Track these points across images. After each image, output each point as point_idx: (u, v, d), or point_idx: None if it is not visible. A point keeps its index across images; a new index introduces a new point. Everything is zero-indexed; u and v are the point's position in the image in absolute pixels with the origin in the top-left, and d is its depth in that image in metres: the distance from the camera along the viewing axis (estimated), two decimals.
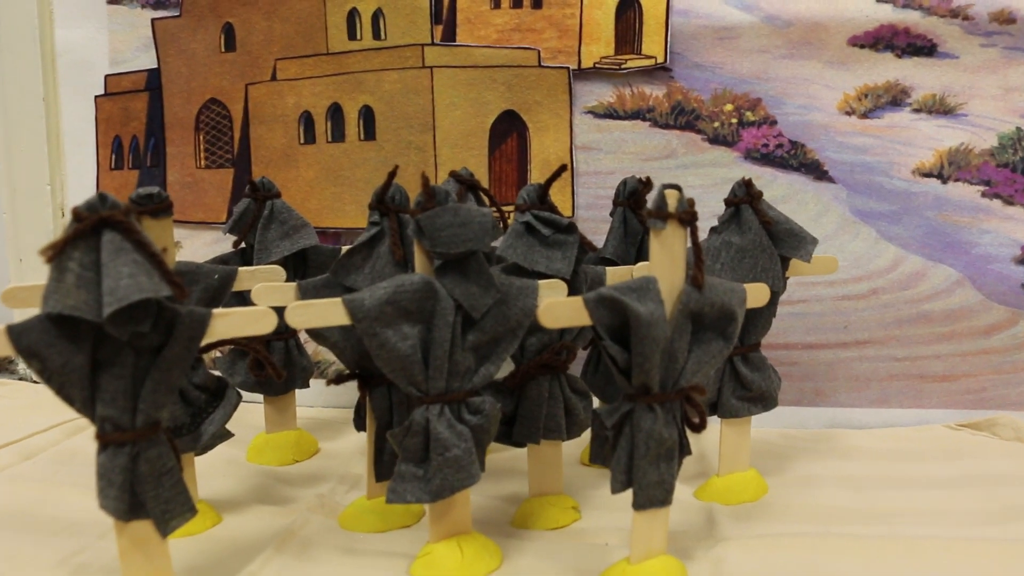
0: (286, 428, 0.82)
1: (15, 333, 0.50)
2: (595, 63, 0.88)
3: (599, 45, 0.88)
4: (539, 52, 0.89)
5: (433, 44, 0.90)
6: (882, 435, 0.86)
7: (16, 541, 0.66)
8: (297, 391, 0.85)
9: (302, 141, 0.93)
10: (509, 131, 0.90)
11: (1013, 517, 0.67)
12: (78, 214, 0.51)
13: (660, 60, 0.87)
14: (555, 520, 0.68)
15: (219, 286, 0.66)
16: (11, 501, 0.73)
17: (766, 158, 0.87)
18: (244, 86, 0.93)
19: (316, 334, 0.66)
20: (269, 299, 0.63)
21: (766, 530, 0.66)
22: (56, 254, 0.50)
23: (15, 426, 0.90)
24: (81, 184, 1.00)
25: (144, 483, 0.54)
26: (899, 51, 0.85)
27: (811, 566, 0.60)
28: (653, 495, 0.57)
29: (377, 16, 0.91)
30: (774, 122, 0.87)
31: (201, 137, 0.95)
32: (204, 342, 0.54)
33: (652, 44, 0.87)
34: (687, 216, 0.59)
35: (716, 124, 0.87)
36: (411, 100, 0.90)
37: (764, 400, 0.73)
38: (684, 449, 0.60)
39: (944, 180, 0.85)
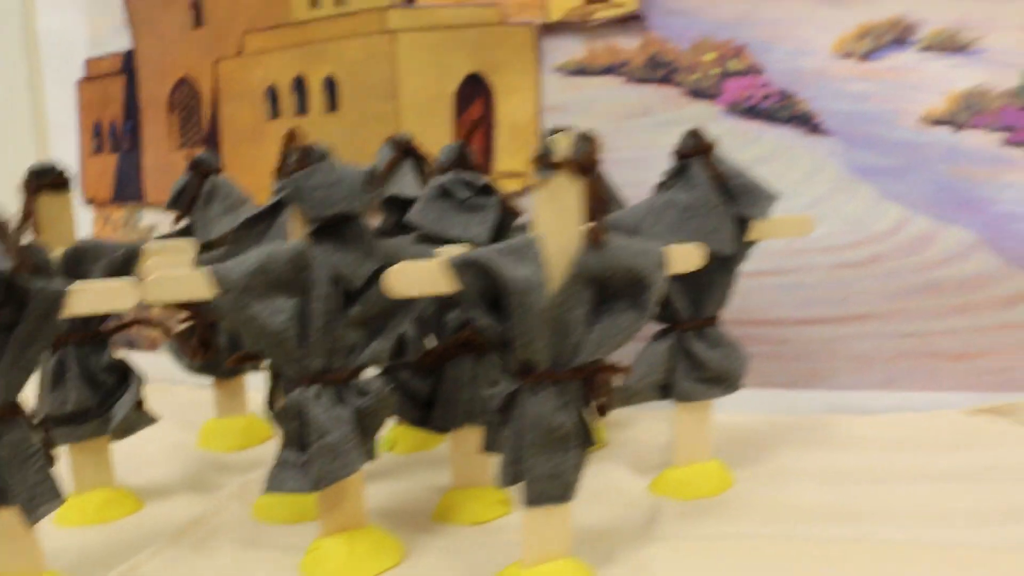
0: (236, 413, 0.79)
1: None
2: (562, 16, 0.81)
3: None
4: (503, 8, 0.82)
5: (395, 7, 0.85)
6: (887, 421, 0.76)
7: None
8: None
9: (269, 116, 0.90)
10: (475, 95, 0.84)
11: (1018, 519, 0.57)
12: None
13: (632, 8, 0.79)
14: (477, 514, 0.62)
15: (123, 262, 0.63)
16: None
17: (752, 111, 0.78)
18: (213, 62, 0.91)
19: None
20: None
21: (711, 530, 0.59)
22: None
23: None
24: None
25: (6, 468, 0.51)
26: None
27: (749, 573, 0.53)
28: (546, 490, 0.51)
29: None
30: (760, 71, 0.78)
31: (175, 118, 0.94)
32: (66, 316, 0.51)
33: None
34: (585, 162, 0.51)
35: (696, 76, 0.79)
36: (374, 68, 0.85)
37: (725, 381, 0.65)
38: (586, 438, 0.53)
39: (958, 128, 0.74)
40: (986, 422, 0.74)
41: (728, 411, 0.78)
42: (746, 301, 0.78)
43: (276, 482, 0.54)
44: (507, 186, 0.82)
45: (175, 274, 0.53)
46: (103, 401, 0.64)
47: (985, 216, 0.74)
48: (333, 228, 0.55)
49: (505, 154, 0.83)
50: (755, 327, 0.78)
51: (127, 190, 0.96)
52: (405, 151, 0.71)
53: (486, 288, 0.50)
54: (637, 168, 0.75)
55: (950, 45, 0.74)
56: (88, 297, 0.52)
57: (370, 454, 0.55)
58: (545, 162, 0.51)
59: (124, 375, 0.65)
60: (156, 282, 0.52)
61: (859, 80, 0.76)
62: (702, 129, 0.63)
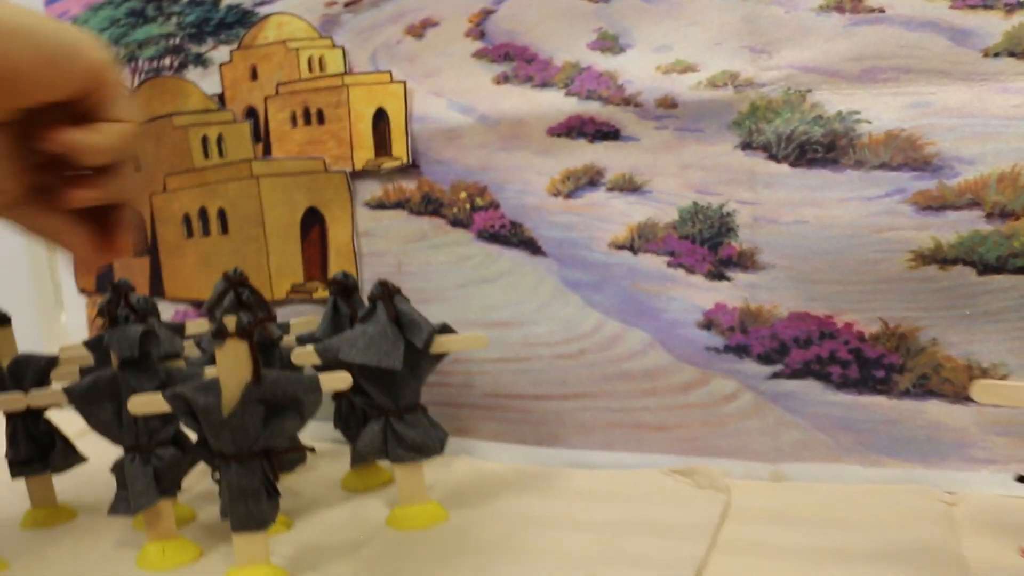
0: (48, 504, 0.97)
1: None
2: (363, 166, 1.07)
3: (365, 151, 1.07)
4: (324, 160, 1.09)
5: (256, 159, 1.13)
6: (601, 476, 0.96)
7: None
8: None
9: (185, 236, 1.21)
10: (314, 223, 1.12)
11: (616, 560, 0.76)
12: None
13: (406, 160, 1.04)
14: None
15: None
16: None
17: (494, 237, 1.01)
18: (149, 196, 1.23)
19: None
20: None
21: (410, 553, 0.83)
22: None
23: None
24: None
25: None
26: (590, 137, 0.95)
27: None
28: (244, 523, 0.78)
29: (220, 139, 1.16)
30: (498, 206, 1.00)
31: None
32: None
33: (399, 147, 1.04)
34: (244, 332, 0.79)
35: (455, 210, 1.03)
36: (248, 203, 1.15)
37: (422, 450, 0.89)
38: (272, 493, 0.81)
39: (635, 252, 0.94)
40: (674, 481, 0.94)
41: (495, 460, 1.03)
42: (497, 380, 1.02)
43: (112, 508, 0.86)
44: None
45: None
46: None
47: (657, 322, 0.94)
48: (132, 362, 0.85)
49: (335, 266, 1.11)
50: (506, 399, 1.02)
51: (103, 282, 1.31)
52: (235, 283, 1.00)
53: (189, 409, 0.78)
54: (418, 279, 1.01)
55: (628, 186, 0.94)
56: None
57: (167, 494, 0.85)
58: (220, 333, 0.78)
59: None
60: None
61: (565, 213, 0.97)
62: (388, 281, 0.87)
